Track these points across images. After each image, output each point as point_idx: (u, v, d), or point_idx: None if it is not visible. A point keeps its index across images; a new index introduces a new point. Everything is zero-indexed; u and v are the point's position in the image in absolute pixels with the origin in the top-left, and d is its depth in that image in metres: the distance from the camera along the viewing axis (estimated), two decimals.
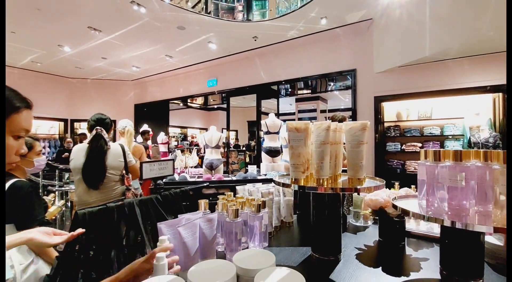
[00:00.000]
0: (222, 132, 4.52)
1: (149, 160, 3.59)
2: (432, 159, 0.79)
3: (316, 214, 0.99)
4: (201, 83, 7.05)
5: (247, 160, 6.89)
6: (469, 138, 3.96)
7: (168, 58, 6.43)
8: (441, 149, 0.80)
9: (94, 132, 2.01)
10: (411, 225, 1.25)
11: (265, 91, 6.19)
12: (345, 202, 1.44)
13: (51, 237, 0.89)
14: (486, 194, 0.70)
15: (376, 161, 4.55)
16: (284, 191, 1.35)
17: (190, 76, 7.31)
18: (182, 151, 4.42)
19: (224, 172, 4.22)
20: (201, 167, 4.27)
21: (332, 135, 0.94)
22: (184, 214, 0.94)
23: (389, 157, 4.60)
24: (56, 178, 3.66)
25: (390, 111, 4.69)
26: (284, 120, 4.31)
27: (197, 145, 9.12)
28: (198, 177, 3.65)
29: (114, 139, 5.99)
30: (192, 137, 11.57)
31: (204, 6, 4.53)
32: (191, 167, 4.11)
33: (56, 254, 0.96)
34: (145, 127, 5.26)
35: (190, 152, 4.37)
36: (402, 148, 4.45)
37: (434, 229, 1.19)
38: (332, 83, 5.87)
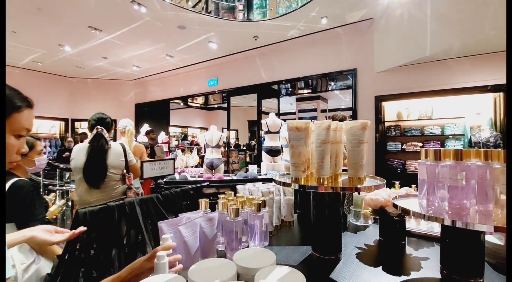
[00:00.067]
0: (222, 132, 4.52)
1: (150, 159, 3.59)
2: (433, 158, 0.79)
3: (316, 213, 0.99)
4: (201, 82, 7.05)
5: (248, 159, 6.89)
6: (470, 138, 3.95)
7: (168, 57, 6.43)
8: (442, 148, 0.80)
9: (94, 131, 2.01)
10: (411, 224, 1.25)
11: (265, 90, 6.19)
12: (345, 201, 1.44)
13: (53, 235, 0.89)
14: (486, 193, 0.70)
15: (376, 160, 4.55)
16: (284, 190, 1.35)
17: (191, 76, 7.31)
18: (183, 151, 4.43)
19: (225, 172, 4.22)
20: (202, 166, 4.28)
21: (332, 134, 0.94)
22: (185, 213, 0.94)
23: (389, 156, 4.59)
24: (57, 177, 3.67)
25: (391, 111, 4.68)
26: (285, 120, 4.30)
27: (197, 144, 9.13)
28: (199, 177, 3.65)
29: (114, 139, 6.00)
30: (193, 137, 11.57)
31: (205, 6, 4.53)
32: (192, 167, 4.11)
33: (61, 251, 0.96)
34: (145, 127, 5.27)
35: (191, 152, 4.38)
36: (402, 147, 4.45)
37: (435, 229, 1.19)
38: (332, 83, 5.86)
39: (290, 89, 6.59)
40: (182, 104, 8.94)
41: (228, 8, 4.63)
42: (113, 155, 2.03)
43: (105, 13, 4.31)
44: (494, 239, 0.97)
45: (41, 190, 3.40)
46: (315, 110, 7.75)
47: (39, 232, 0.88)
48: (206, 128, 9.42)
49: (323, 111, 7.90)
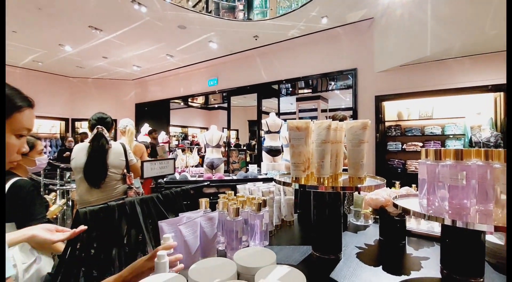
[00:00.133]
0: (222, 131, 4.53)
1: (152, 158, 3.59)
2: (433, 157, 0.79)
3: (316, 212, 0.99)
4: (202, 82, 7.06)
5: (248, 159, 6.89)
6: (470, 137, 3.95)
7: (169, 57, 6.43)
8: (442, 148, 0.80)
9: (95, 131, 2.01)
10: (411, 224, 1.25)
11: (265, 90, 6.19)
12: (345, 201, 1.44)
13: (54, 233, 0.89)
14: (487, 193, 0.70)
15: (377, 160, 4.55)
16: (284, 190, 1.35)
17: (191, 76, 7.31)
18: (183, 150, 4.43)
19: (225, 171, 4.23)
20: (202, 166, 4.28)
21: (332, 134, 0.94)
22: (185, 213, 0.94)
23: (390, 156, 4.59)
24: (57, 177, 3.68)
25: (391, 110, 4.68)
26: (285, 120, 4.31)
27: (197, 144, 9.13)
28: (199, 176, 3.66)
29: (115, 139, 6.01)
30: (193, 136, 11.56)
31: (205, 5, 4.53)
32: (192, 166, 4.12)
33: (63, 247, 0.96)
34: (146, 126, 5.28)
35: (191, 151, 4.38)
36: (403, 147, 4.45)
37: (435, 228, 1.19)
38: (333, 83, 5.86)
39: (290, 89, 6.59)
40: (182, 104, 8.94)
41: (229, 8, 4.63)
42: (113, 154, 2.04)
43: (105, 13, 4.31)
44: (495, 239, 0.97)
45: (42, 189, 3.41)
46: (315, 110, 7.75)
47: (40, 231, 0.88)
48: (207, 128, 9.41)
49: (324, 111, 7.90)
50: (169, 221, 0.84)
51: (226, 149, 5.85)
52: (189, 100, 8.52)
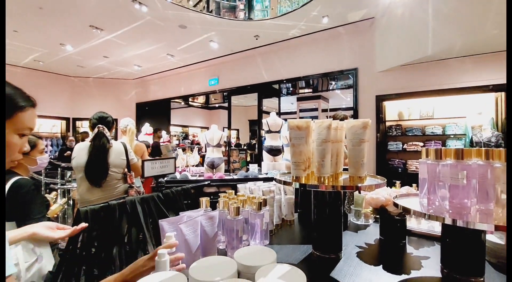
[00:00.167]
0: (223, 131, 4.53)
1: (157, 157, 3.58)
2: (434, 157, 0.79)
3: (317, 212, 0.99)
4: (202, 82, 7.06)
5: (248, 158, 6.89)
6: (471, 137, 3.94)
7: (169, 57, 6.44)
8: (443, 148, 0.80)
9: (96, 130, 2.02)
10: (412, 223, 1.25)
11: (266, 90, 6.19)
12: (346, 201, 1.44)
13: (55, 231, 0.90)
14: (487, 192, 0.70)
15: (377, 160, 4.55)
16: (285, 189, 1.35)
17: (192, 75, 7.32)
18: (184, 150, 4.44)
19: (225, 171, 4.23)
20: (202, 165, 4.28)
21: (333, 133, 0.94)
22: (186, 212, 0.94)
23: (390, 156, 4.59)
24: (58, 176, 3.68)
25: (392, 110, 4.67)
26: (286, 119, 4.31)
27: (198, 143, 9.14)
28: (200, 176, 3.66)
29: (116, 138, 6.02)
30: (194, 136, 11.58)
31: (206, 5, 4.53)
32: (193, 166, 4.12)
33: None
34: (146, 126, 5.29)
35: (192, 151, 4.39)
36: (403, 147, 4.44)
37: (435, 228, 1.19)
38: (333, 82, 5.85)
39: (291, 89, 6.58)
40: (183, 103, 8.95)
41: (229, 8, 4.63)
42: (114, 153, 2.04)
43: (106, 12, 4.31)
44: (495, 239, 0.96)
45: (43, 188, 3.41)
46: (316, 109, 7.75)
47: (41, 228, 0.89)
48: (207, 128, 9.41)
49: (324, 110, 7.89)
50: (169, 220, 0.84)
51: (227, 149, 5.85)
52: (190, 99, 8.52)
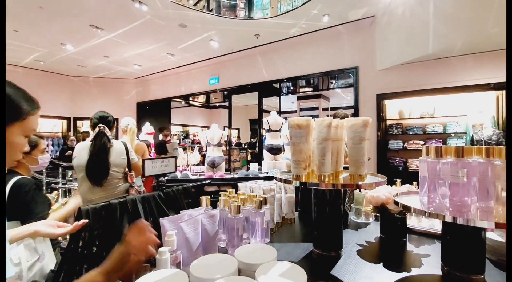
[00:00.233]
0: (224, 130, 4.53)
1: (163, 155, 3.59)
2: (434, 155, 0.79)
3: (317, 210, 0.99)
4: (203, 81, 7.05)
5: (249, 157, 6.89)
6: (472, 136, 3.93)
7: (170, 56, 6.43)
8: (443, 146, 0.80)
9: (97, 130, 2.02)
10: (412, 221, 1.25)
11: (267, 89, 6.18)
12: (346, 199, 1.44)
13: (56, 228, 0.91)
14: (487, 190, 0.70)
15: (378, 158, 4.54)
16: (285, 187, 1.35)
17: (192, 74, 7.31)
18: (184, 149, 4.45)
19: (226, 170, 4.24)
20: (203, 164, 4.29)
21: (333, 131, 0.94)
22: (186, 210, 0.95)
23: (391, 154, 4.58)
24: (60, 176, 3.69)
25: (393, 109, 4.67)
26: (286, 118, 4.31)
27: (199, 142, 9.14)
28: (200, 175, 3.66)
29: (116, 137, 6.02)
30: (194, 135, 11.59)
31: (206, 4, 4.53)
32: (193, 165, 4.13)
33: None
34: (147, 125, 5.29)
35: (192, 150, 4.39)
36: (404, 145, 4.44)
37: (436, 226, 1.19)
38: (334, 81, 5.85)
39: (291, 88, 6.58)
40: (183, 103, 8.95)
41: (229, 6, 4.62)
42: (115, 153, 2.04)
43: (106, 11, 4.31)
44: (496, 236, 0.97)
45: (44, 188, 3.42)
46: (316, 108, 7.74)
47: (42, 226, 0.90)
48: (208, 127, 9.41)
49: (325, 109, 7.89)
50: (170, 218, 0.85)
51: (227, 148, 5.85)
52: (190, 99, 8.53)
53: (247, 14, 4.66)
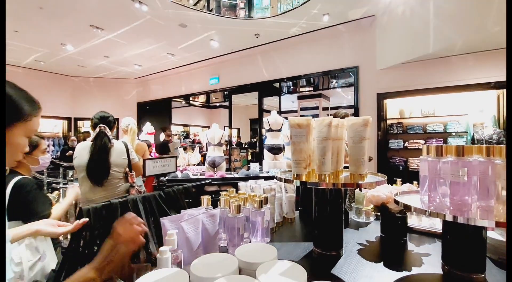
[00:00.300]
0: (224, 130, 4.53)
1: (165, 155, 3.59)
2: (434, 154, 0.79)
3: (318, 209, 0.99)
4: (203, 81, 7.06)
5: (249, 157, 6.89)
6: (473, 135, 3.93)
7: (170, 56, 6.44)
8: (444, 144, 0.80)
9: (97, 130, 2.03)
10: (413, 221, 1.25)
11: (267, 88, 6.18)
12: (347, 199, 1.44)
13: (57, 227, 0.91)
14: (488, 189, 0.70)
15: (378, 158, 4.54)
16: (286, 187, 1.35)
17: (192, 74, 7.32)
18: (185, 149, 4.45)
19: (226, 170, 4.23)
20: (204, 164, 4.29)
21: (334, 131, 0.94)
22: (187, 210, 0.95)
23: (391, 154, 4.58)
24: (60, 176, 3.70)
25: (393, 108, 4.66)
26: (286, 118, 4.31)
27: (199, 142, 9.15)
28: (201, 175, 3.67)
29: (117, 137, 6.03)
30: (195, 135, 11.59)
31: (206, 4, 4.53)
32: (194, 165, 4.13)
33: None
34: (148, 125, 5.30)
35: (193, 150, 4.39)
36: (404, 145, 4.43)
37: (436, 225, 1.19)
38: (334, 81, 5.84)
39: (291, 87, 6.58)
40: (183, 102, 8.96)
41: (229, 6, 4.62)
42: (116, 153, 2.05)
43: (106, 11, 4.31)
44: (496, 235, 0.97)
45: (45, 188, 3.43)
46: (317, 108, 7.75)
47: (43, 225, 0.90)
48: (208, 127, 9.40)
49: (325, 109, 7.89)
50: (171, 218, 0.85)
51: (228, 147, 5.85)
52: (191, 99, 8.53)
53: (247, 13, 4.66)
